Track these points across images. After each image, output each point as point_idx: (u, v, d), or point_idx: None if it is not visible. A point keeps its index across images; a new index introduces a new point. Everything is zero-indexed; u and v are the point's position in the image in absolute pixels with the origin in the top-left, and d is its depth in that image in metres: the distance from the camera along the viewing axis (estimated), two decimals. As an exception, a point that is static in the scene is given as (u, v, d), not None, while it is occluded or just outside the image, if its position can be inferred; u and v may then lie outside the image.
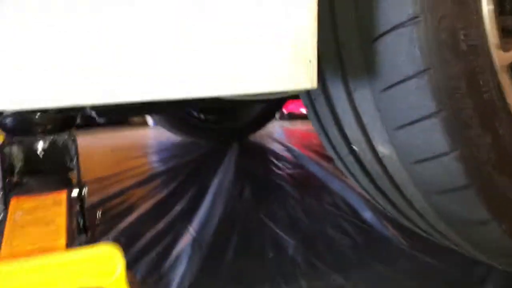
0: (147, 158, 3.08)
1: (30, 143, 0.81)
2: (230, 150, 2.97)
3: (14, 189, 0.77)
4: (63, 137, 0.80)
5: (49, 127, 0.80)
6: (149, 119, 4.96)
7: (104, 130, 4.69)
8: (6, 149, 0.80)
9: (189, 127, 3.22)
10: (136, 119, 5.35)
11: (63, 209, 0.69)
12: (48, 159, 0.83)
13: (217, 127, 3.31)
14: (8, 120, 0.78)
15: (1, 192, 0.76)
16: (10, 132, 0.79)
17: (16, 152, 0.82)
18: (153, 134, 4.48)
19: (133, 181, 2.21)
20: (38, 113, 0.79)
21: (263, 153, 3.00)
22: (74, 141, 0.85)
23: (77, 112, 0.83)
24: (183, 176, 2.30)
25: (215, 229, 1.44)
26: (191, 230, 1.42)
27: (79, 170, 0.84)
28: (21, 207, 0.69)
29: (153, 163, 2.87)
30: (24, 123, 0.78)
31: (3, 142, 0.78)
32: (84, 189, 0.81)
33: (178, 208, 1.70)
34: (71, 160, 0.81)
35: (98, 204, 1.77)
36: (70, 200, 0.73)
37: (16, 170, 0.81)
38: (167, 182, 2.18)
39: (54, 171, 0.82)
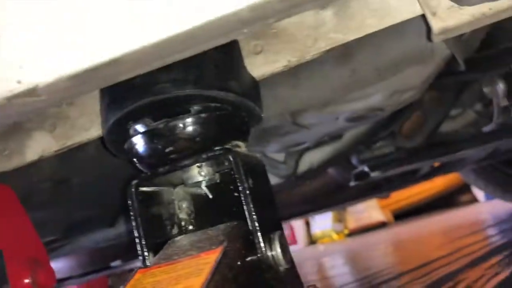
0: (481, 234, 2.76)
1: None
2: None
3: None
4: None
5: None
6: (479, 194, 4.50)
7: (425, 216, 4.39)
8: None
9: None
10: (463, 197, 4.91)
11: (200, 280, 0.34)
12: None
13: None
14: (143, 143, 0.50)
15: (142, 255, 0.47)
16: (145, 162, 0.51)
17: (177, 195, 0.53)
18: (486, 209, 4.09)
19: (465, 262, 1.92)
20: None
21: None
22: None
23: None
24: None
25: None
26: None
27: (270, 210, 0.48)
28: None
29: (489, 238, 2.52)
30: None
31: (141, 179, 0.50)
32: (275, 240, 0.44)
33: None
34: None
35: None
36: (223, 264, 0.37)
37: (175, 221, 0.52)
38: (510, 259, 1.80)
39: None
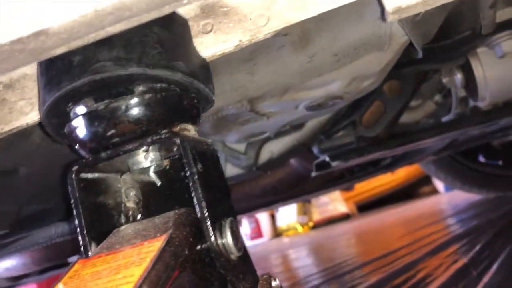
0: (441, 223, 2.83)
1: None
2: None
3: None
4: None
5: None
6: (440, 186, 4.60)
7: (388, 207, 4.54)
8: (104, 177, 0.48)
9: (485, 179, 2.79)
10: (424, 189, 5.05)
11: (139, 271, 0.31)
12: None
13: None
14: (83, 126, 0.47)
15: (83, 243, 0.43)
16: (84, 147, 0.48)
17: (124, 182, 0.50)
18: (446, 199, 4.22)
19: (425, 251, 1.98)
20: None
21: None
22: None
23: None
24: (488, 237, 1.96)
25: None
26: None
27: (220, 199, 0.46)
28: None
29: (449, 227, 2.60)
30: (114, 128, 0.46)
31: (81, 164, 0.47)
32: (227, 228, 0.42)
33: (485, 281, 1.32)
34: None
35: (385, 281, 1.60)
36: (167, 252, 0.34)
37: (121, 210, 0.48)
38: (468, 247, 1.85)
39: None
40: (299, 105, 0.95)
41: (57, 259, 1.80)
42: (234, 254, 0.45)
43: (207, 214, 0.43)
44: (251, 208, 1.89)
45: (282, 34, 0.66)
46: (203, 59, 0.51)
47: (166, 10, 0.43)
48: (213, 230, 0.43)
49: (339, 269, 2.12)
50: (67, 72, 0.45)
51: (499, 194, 2.90)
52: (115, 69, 0.44)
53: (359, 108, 1.15)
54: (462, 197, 3.36)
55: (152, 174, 0.52)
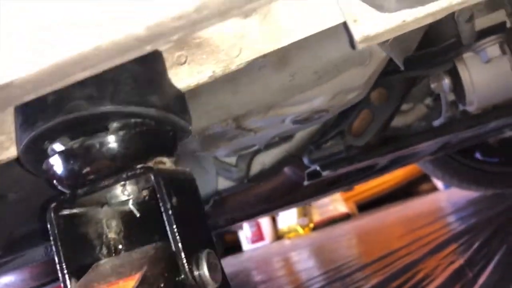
0: (440, 222, 2.82)
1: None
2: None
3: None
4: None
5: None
6: (439, 183, 4.56)
7: (388, 206, 4.55)
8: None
9: (482, 176, 2.77)
10: (423, 186, 5.03)
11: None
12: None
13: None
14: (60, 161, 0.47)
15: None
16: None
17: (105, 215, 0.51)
18: (445, 197, 4.19)
19: (424, 251, 1.97)
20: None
21: None
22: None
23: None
24: (485, 235, 1.96)
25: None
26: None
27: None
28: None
29: (447, 226, 2.58)
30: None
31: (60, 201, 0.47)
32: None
33: (481, 281, 1.32)
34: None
35: (389, 280, 1.60)
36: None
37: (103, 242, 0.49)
38: (465, 246, 1.85)
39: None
40: (285, 120, 0.96)
41: (56, 273, 1.81)
42: (211, 285, 0.45)
43: (181, 247, 0.44)
44: (247, 217, 1.89)
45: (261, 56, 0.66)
46: (178, 90, 0.52)
47: (146, 51, 0.44)
48: (189, 264, 0.44)
49: (340, 272, 2.12)
50: (42, 111, 0.46)
51: (497, 191, 2.88)
52: (89, 108, 0.45)
53: (347, 117, 1.15)
54: (461, 194, 3.34)
55: (131, 206, 0.52)
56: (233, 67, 0.51)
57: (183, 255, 0.43)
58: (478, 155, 2.83)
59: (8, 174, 0.75)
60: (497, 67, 1.12)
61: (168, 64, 0.52)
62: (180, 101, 0.52)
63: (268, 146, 1.20)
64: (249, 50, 0.51)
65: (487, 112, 1.31)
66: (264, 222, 5.18)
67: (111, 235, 0.53)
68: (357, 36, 0.47)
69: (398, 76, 1.15)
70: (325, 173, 1.22)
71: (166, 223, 0.44)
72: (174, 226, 0.44)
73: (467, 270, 1.49)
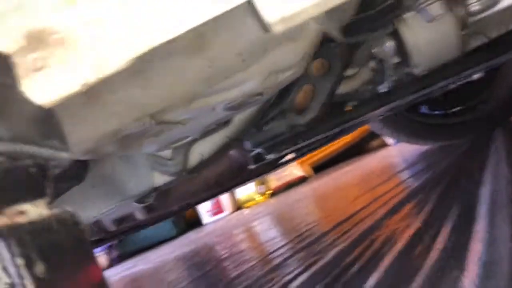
0: (394, 179, 2.81)
1: None
2: (494, 143, 2.48)
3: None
4: None
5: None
6: (389, 139, 4.64)
7: (341, 166, 4.53)
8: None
9: (430, 130, 2.80)
10: (374, 143, 5.11)
11: None
12: None
13: (468, 118, 2.77)
14: None
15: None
16: None
17: None
18: (396, 152, 4.26)
19: (382, 212, 1.96)
20: None
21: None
22: None
23: None
24: (441, 189, 1.96)
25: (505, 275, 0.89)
26: (467, 280, 0.92)
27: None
28: None
29: (402, 183, 2.57)
30: None
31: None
32: None
33: (441, 240, 1.28)
34: None
35: (350, 247, 1.58)
36: None
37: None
38: (423, 203, 1.84)
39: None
40: (215, 108, 0.84)
41: None
42: None
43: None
44: (201, 200, 1.79)
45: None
46: (39, 107, 0.38)
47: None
48: None
49: (304, 240, 2.09)
50: None
51: (445, 143, 2.95)
52: None
53: (287, 95, 1.05)
54: (411, 148, 3.40)
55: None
56: (113, 70, 0.38)
57: None
58: (423, 109, 2.84)
59: None
60: (441, 25, 1.04)
61: (21, 71, 0.37)
62: (44, 120, 0.38)
63: (205, 134, 1.08)
64: (125, 50, 0.38)
65: (434, 72, 1.24)
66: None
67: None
68: (271, 19, 0.35)
69: (335, 44, 1.04)
70: (269, 157, 1.12)
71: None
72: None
73: (424, 231, 1.47)
